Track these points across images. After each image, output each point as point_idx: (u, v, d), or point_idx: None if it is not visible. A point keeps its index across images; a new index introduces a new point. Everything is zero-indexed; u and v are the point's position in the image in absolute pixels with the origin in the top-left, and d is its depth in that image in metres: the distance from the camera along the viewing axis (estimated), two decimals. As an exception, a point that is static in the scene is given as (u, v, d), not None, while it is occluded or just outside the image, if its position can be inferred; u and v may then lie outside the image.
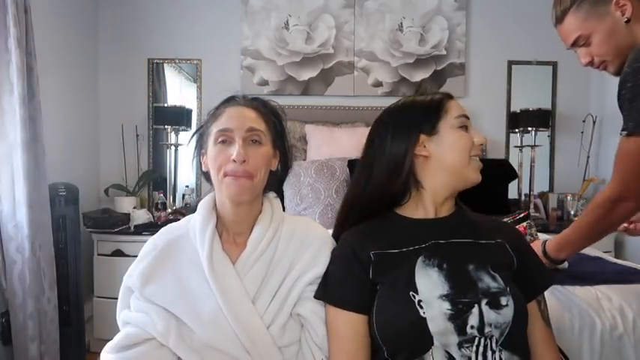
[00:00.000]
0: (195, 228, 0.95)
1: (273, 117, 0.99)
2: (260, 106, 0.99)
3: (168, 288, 0.90)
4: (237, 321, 0.85)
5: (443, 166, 0.93)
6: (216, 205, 0.99)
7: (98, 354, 0.88)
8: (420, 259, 0.87)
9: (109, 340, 0.92)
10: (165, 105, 2.98)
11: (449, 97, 0.98)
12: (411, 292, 0.83)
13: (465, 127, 0.94)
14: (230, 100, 1.00)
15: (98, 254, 2.55)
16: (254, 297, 0.89)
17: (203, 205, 0.98)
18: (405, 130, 0.95)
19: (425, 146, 0.94)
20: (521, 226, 1.48)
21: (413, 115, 0.96)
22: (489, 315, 0.81)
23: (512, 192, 2.88)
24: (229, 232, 0.97)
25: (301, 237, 0.97)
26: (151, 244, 0.98)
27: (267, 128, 0.96)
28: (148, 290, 0.90)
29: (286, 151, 1.02)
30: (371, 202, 0.98)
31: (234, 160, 0.89)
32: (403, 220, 0.97)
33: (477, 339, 0.81)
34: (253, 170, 0.91)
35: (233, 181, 0.90)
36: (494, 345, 0.81)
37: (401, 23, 3.08)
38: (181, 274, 0.92)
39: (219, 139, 0.92)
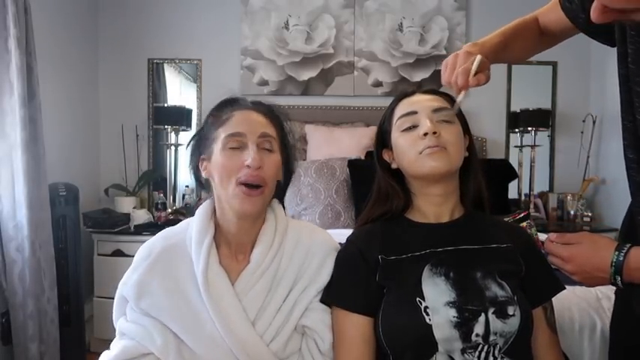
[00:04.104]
0: (192, 238, 0.89)
1: (279, 122, 0.95)
2: (267, 110, 0.93)
3: (164, 301, 0.85)
4: (236, 343, 0.82)
5: (404, 170, 0.96)
6: (215, 213, 0.92)
7: (98, 354, 0.87)
8: (426, 268, 0.86)
9: (109, 340, 0.91)
10: (165, 105, 2.98)
11: (399, 99, 0.99)
12: (417, 299, 0.83)
13: (409, 127, 0.93)
14: (234, 103, 0.93)
15: (98, 254, 2.54)
16: (255, 316, 0.85)
17: (200, 214, 0.92)
18: (375, 147, 1.03)
19: (394, 158, 0.98)
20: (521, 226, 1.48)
21: (378, 130, 1.03)
22: (495, 324, 0.81)
23: (513, 192, 2.88)
24: (229, 244, 0.91)
25: (306, 246, 0.93)
26: (146, 250, 0.91)
27: (276, 134, 0.92)
28: (144, 303, 0.86)
29: (290, 158, 0.98)
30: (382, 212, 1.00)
31: (249, 166, 0.83)
32: (408, 223, 0.96)
33: (480, 345, 0.80)
34: (267, 178, 0.86)
35: (245, 196, 0.84)
36: (496, 352, 0.81)
37: (401, 23, 3.08)
38: (178, 286, 0.86)
39: (230, 145, 0.86)
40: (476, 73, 0.91)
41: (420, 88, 1.03)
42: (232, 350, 0.82)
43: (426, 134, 0.89)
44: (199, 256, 0.86)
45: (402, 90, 3.12)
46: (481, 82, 0.92)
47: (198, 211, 0.93)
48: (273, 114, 0.94)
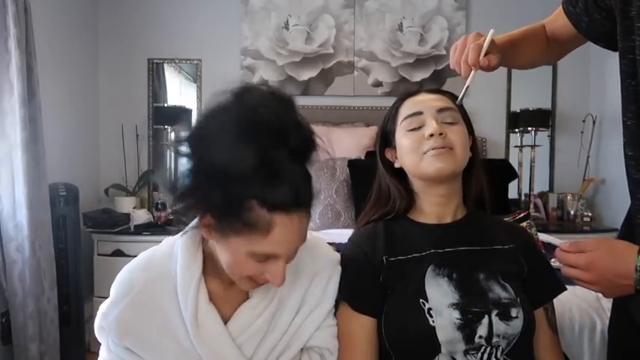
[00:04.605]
0: (178, 271, 0.79)
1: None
2: (309, 208, 0.71)
3: (150, 341, 0.77)
4: None
5: (407, 170, 0.95)
6: (204, 240, 0.81)
7: (98, 354, 0.86)
8: (429, 269, 0.86)
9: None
10: (166, 105, 2.98)
11: (403, 98, 0.98)
12: (421, 300, 0.83)
13: (415, 128, 0.91)
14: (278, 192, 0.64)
15: (98, 254, 2.54)
16: (254, 350, 0.78)
17: (186, 244, 0.80)
18: (378, 145, 1.02)
19: (397, 157, 0.97)
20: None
21: (381, 129, 1.02)
22: (499, 326, 0.81)
23: (513, 192, 2.88)
24: (222, 275, 0.79)
25: (308, 271, 0.86)
26: (126, 284, 0.81)
27: None
28: (127, 342, 0.78)
29: None
30: (384, 211, 0.99)
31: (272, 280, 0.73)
32: (411, 223, 0.96)
33: (483, 347, 0.80)
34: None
35: (252, 288, 0.77)
36: (499, 354, 0.81)
37: (401, 23, 3.08)
38: (165, 324, 0.78)
39: (258, 258, 0.69)
40: (486, 54, 0.87)
41: (424, 87, 1.01)
42: None
43: (431, 135, 0.88)
44: (187, 296, 0.77)
45: (405, 89, 3.11)
46: (492, 64, 0.88)
47: (185, 240, 0.81)
48: (312, 202, 0.72)
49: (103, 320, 0.80)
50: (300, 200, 0.66)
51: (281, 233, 0.66)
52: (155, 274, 0.80)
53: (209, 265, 0.81)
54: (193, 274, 0.78)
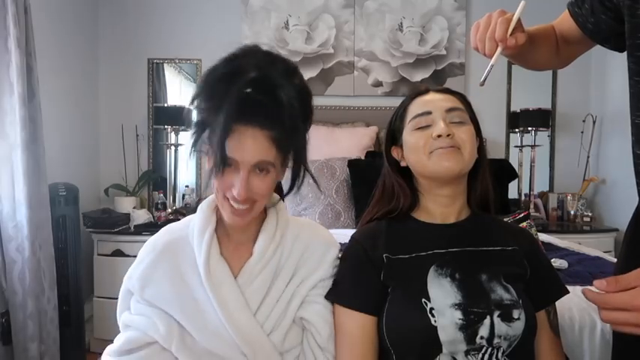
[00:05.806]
0: (194, 230, 0.90)
1: (293, 119, 0.81)
2: (277, 116, 0.79)
3: (167, 291, 0.87)
4: (237, 331, 0.83)
5: (413, 169, 0.95)
6: (217, 208, 0.91)
7: (98, 354, 0.87)
8: (432, 269, 0.86)
9: (109, 340, 0.91)
10: (166, 105, 2.98)
11: (412, 97, 0.97)
12: (423, 300, 0.83)
13: (422, 127, 0.91)
14: (241, 110, 0.78)
15: (98, 254, 2.55)
16: (258, 306, 0.86)
17: (203, 207, 0.92)
18: (384, 143, 1.02)
19: (403, 156, 0.97)
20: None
21: (389, 127, 1.02)
22: (500, 327, 0.81)
23: (513, 192, 2.88)
24: (231, 237, 0.91)
25: (306, 241, 0.93)
26: (150, 245, 0.93)
27: (279, 151, 0.82)
28: (148, 292, 0.87)
29: (300, 156, 0.89)
30: (387, 209, 0.99)
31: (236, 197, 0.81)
32: (414, 222, 0.96)
33: (484, 348, 0.80)
34: (257, 197, 0.83)
35: (231, 214, 0.83)
36: (499, 355, 0.81)
37: (401, 23, 3.08)
38: (182, 277, 0.88)
39: (221, 167, 0.80)
40: (512, 32, 0.82)
41: (432, 86, 0.99)
42: (234, 339, 0.83)
43: (439, 136, 0.88)
44: (201, 246, 0.87)
45: (405, 89, 3.10)
46: (519, 41, 0.83)
47: (201, 205, 0.94)
48: (285, 133, 0.80)
49: (129, 282, 0.90)
50: (257, 115, 0.79)
51: (236, 137, 0.78)
52: (175, 237, 0.92)
53: (221, 229, 0.91)
54: (207, 227, 0.89)
